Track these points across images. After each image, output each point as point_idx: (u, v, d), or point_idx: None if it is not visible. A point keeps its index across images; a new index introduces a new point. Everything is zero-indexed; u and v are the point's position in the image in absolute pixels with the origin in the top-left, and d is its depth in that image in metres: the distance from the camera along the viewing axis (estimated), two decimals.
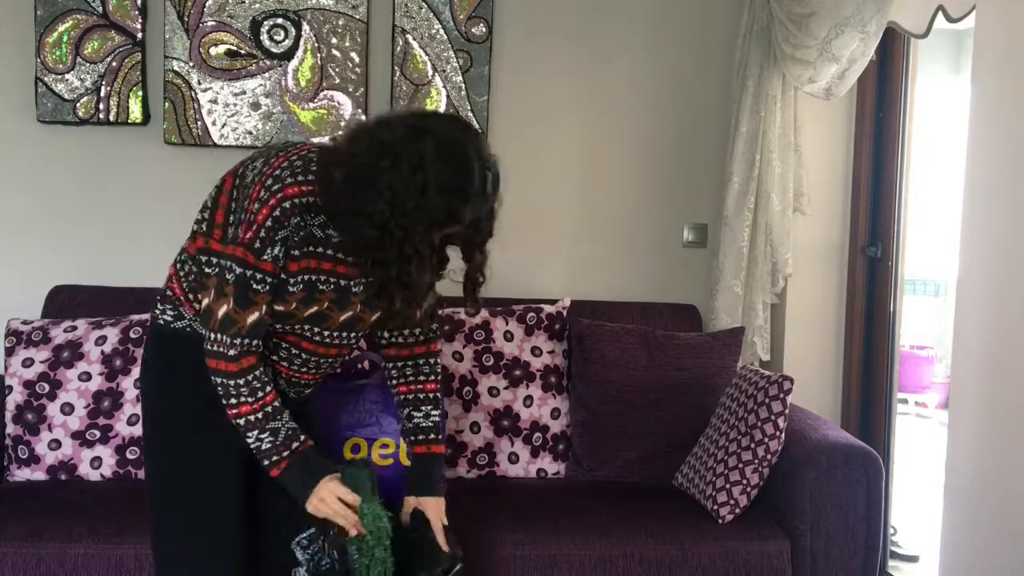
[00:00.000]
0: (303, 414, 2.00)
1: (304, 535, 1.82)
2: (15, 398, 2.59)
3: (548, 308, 2.89)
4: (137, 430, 2.56)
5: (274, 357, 1.84)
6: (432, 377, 2.01)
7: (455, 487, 2.61)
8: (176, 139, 3.00)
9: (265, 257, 1.70)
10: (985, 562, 2.16)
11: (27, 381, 2.59)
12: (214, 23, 2.99)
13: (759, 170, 3.00)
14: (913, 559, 3.19)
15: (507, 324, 2.83)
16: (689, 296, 3.19)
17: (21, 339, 2.64)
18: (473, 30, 3.08)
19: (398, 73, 3.06)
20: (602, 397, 2.75)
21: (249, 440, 1.78)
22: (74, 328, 2.66)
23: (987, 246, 2.18)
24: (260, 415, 1.76)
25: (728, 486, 2.41)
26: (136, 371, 2.59)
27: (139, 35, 2.98)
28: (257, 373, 1.76)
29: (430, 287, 1.80)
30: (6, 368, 2.64)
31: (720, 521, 2.41)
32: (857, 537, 2.37)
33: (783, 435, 2.41)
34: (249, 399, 1.75)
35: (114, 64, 2.97)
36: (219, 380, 1.75)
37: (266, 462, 1.79)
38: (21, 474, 2.57)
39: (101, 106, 2.97)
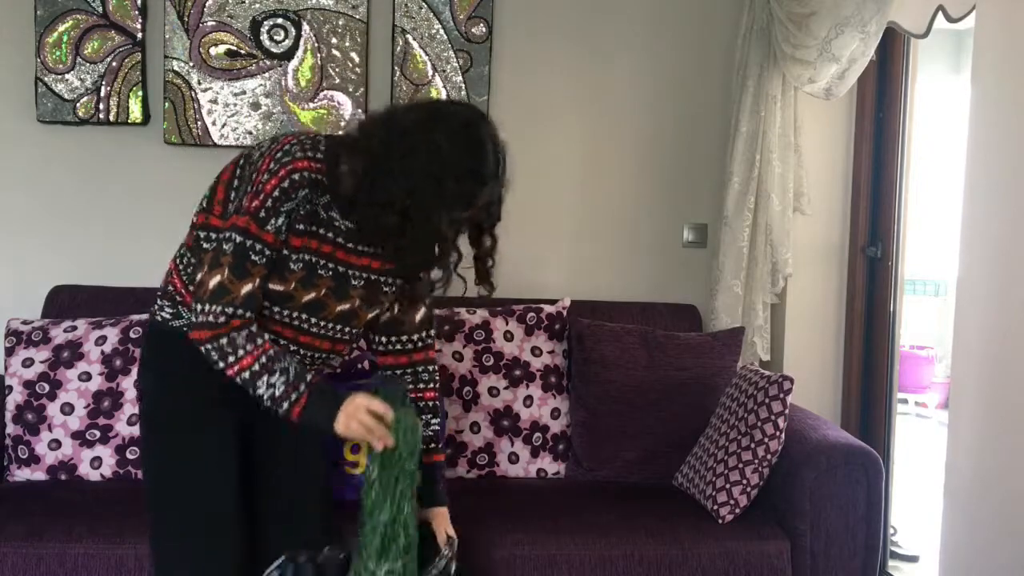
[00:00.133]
0: None
1: (274, 566, 1.76)
2: (15, 398, 2.59)
3: (548, 308, 2.89)
4: (137, 430, 2.56)
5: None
6: (432, 385, 2.01)
7: (455, 487, 2.60)
8: (176, 139, 3.00)
9: (268, 228, 1.70)
10: (985, 562, 2.16)
11: (27, 381, 2.59)
12: (214, 23, 2.99)
13: (759, 170, 3.00)
14: (913, 559, 3.19)
15: (507, 324, 2.83)
16: (689, 296, 3.19)
17: (21, 339, 2.64)
18: (473, 30, 3.08)
19: (398, 73, 3.06)
20: (602, 397, 2.75)
21: (260, 391, 1.73)
22: (74, 328, 2.66)
23: (987, 246, 2.18)
24: (264, 360, 1.72)
25: (728, 486, 2.41)
26: (136, 371, 2.59)
27: (139, 35, 2.98)
28: (251, 330, 1.72)
29: (450, 276, 1.81)
30: (6, 368, 2.64)
31: (720, 521, 2.41)
32: (857, 537, 2.37)
33: (783, 435, 2.41)
34: (247, 347, 1.71)
35: (114, 64, 2.97)
36: (211, 346, 1.72)
37: (284, 405, 1.73)
38: (21, 474, 2.57)
39: (101, 106, 2.97)
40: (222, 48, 3.00)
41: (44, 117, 2.96)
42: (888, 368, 3.08)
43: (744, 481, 2.40)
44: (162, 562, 1.87)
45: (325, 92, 3.04)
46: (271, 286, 1.75)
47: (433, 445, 1.99)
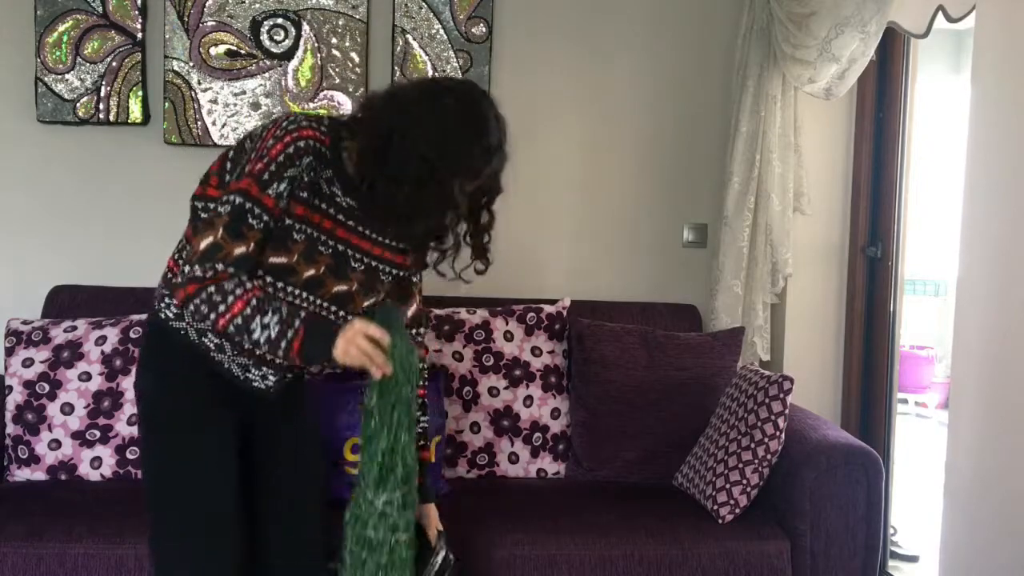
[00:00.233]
0: (302, 415, 2.00)
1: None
2: (15, 398, 2.59)
3: (548, 308, 2.89)
4: (137, 430, 2.56)
5: None
6: (422, 382, 2.01)
7: (455, 487, 2.61)
8: (176, 139, 3.00)
9: (269, 192, 1.70)
10: (985, 562, 2.16)
11: (27, 381, 2.59)
12: (214, 23, 2.99)
13: (759, 170, 3.00)
14: (913, 559, 3.19)
15: (507, 324, 2.83)
16: (689, 296, 3.19)
17: (21, 339, 2.64)
18: (473, 30, 3.08)
19: (398, 73, 3.06)
20: (602, 397, 2.75)
21: (256, 335, 1.68)
22: (74, 328, 2.66)
23: (987, 246, 2.18)
24: (255, 302, 1.68)
25: (728, 486, 2.41)
26: (135, 371, 2.59)
27: (139, 35, 2.98)
28: (239, 279, 1.70)
29: (458, 247, 1.85)
30: (6, 368, 2.64)
31: (720, 521, 2.41)
32: (857, 537, 2.37)
33: (783, 435, 2.41)
34: (236, 292, 1.68)
35: (114, 64, 2.97)
36: (199, 299, 1.68)
37: (283, 344, 1.69)
38: (21, 474, 2.57)
39: (101, 106, 2.97)
40: (222, 48, 3.00)
41: (44, 117, 2.96)
42: (888, 368, 3.08)
43: (744, 481, 2.40)
44: (162, 562, 1.87)
45: (325, 92, 3.04)
46: (274, 259, 1.74)
47: (423, 443, 1.99)
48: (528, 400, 2.78)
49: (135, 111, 2.99)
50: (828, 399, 3.18)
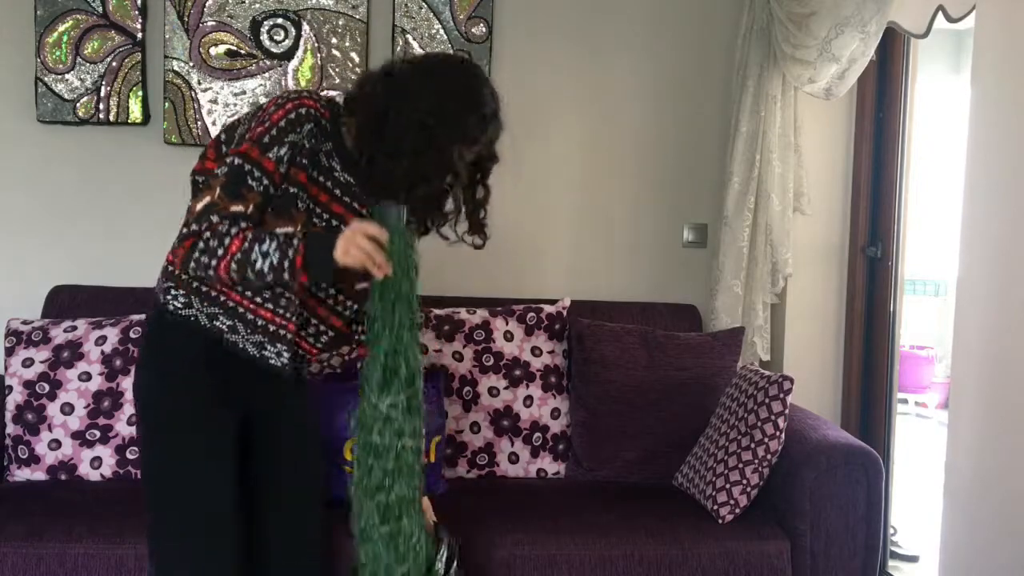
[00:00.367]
0: (302, 415, 2.00)
1: None
2: (15, 398, 2.59)
3: (548, 308, 2.89)
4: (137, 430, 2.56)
5: (249, 292, 1.81)
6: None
7: (455, 487, 2.61)
8: (176, 139, 3.00)
9: (270, 155, 1.71)
10: (985, 562, 2.16)
11: (27, 381, 2.59)
12: (214, 23, 2.99)
13: (759, 170, 3.00)
14: (913, 559, 3.19)
15: (507, 324, 2.83)
16: (689, 296, 3.19)
17: (21, 339, 2.64)
18: (473, 30, 3.08)
19: None
20: (602, 397, 2.75)
21: (258, 265, 1.67)
22: (74, 328, 2.66)
23: (987, 246, 2.18)
24: (251, 235, 1.68)
25: (728, 486, 2.41)
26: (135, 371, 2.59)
27: (139, 35, 2.98)
28: (233, 221, 1.69)
29: (459, 211, 1.89)
30: (6, 368, 2.64)
31: (720, 521, 2.41)
32: (857, 537, 2.37)
33: (783, 435, 2.41)
34: (232, 231, 1.68)
35: (114, 64, 2.97)
36: (195, 255, 1.68)
37: (286, 265, 1.67)
38: (21, 474, 2.57)
39: (101, 106, 2.97)
40: (222, 48, 3.00)
41: (44, 117, 2.96)
42: (888, 368, 3.08)
43: (744, 481, 2.40)
44: (162, 562, 1.87)
45: (325, 92, 3.04)
46: (278, 229, 1.74)
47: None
48: (528, 400, 2.78)
49: (135, 111, 2.99)
50: (828, 399, 3.18)
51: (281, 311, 1.80)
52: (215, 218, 1.69)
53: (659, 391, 2.75)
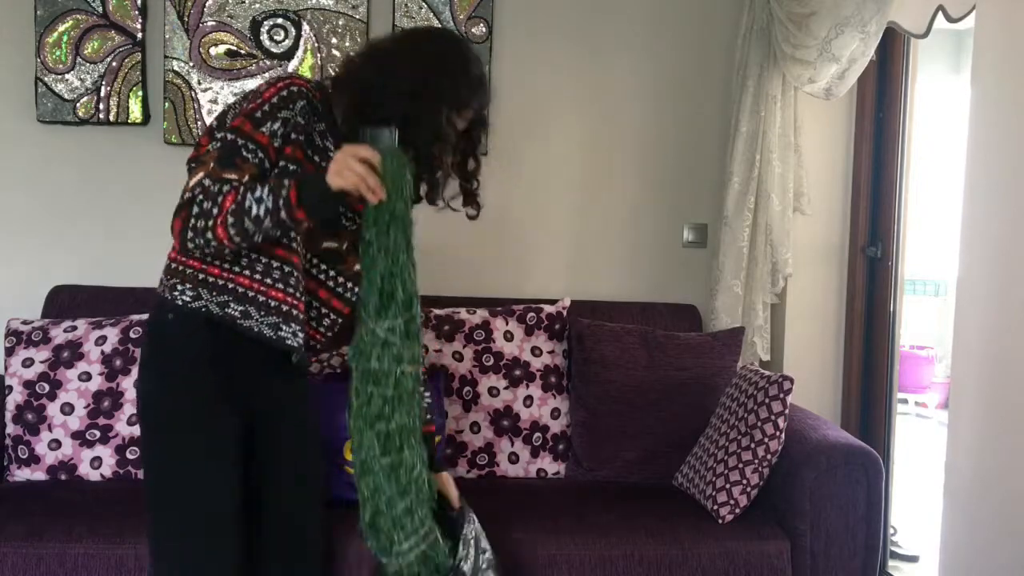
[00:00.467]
0: (302, 416, 2.00)
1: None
2: (15, 398, 2.59)
3: (548, 308, 2.89)
4: (137, 430, 2.56)
5: (258, 275, 1.81)
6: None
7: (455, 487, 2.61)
8: (176, 139, 3.00)
9: (263, 129, 1.72)
10: (985, 562, 2.16)
11: (27, 381, 2.59)
12: (214, 23, 2.99)
13: (759, 170, 3.00)
14: (913, 559, 3.19)
15: (507, 324, 2.83)
16: (689, 296, 3.19)
17: (21, 339, 2.64)
18: (473, 30, 3.08)
19: None
20: (602, 397, 2.75)
21: (254, 211, 1.66)
22: (74, 328, 2.66)
23: (987, 246, 2.18)
24: (243, 188, 1.68)
25: (728, 486, 2.41)
26: (136, 371, 2.58)
27: (139, 35, 2.98)
28: (225, 181, 1.69)
29: (448, 175, 1.90)
30: (6, 368, 2.64)
31: (720, 521, 2.41)
32: (857, 537, 2.37)
33: (783, 435, 2.41)
34: (224, 190, 1.68)
35: (114, 64, 2.97)
36: (192, 222, 1.67)
37: (281, 204, 1.66)
38: (21, 474, 2.57)
39: (101, 106, 2.97)
40: (222, 48, 3.00)
41: (44, 117, 2.96)
42: (888, 368, 3.08)
43: (744, 481, 2.40)
44: (162, 562, 1.87)
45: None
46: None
47: (428, 416, 2.02)
48: (528, 400, 2.78)
49: (135, 111, 2.99)
50: (828, 399, 3.18)
51: (291, 290, 1.81)
52: (207, 182, 1.70)
53: (659, 391, 2.75)
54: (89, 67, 2.96)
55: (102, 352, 2.62)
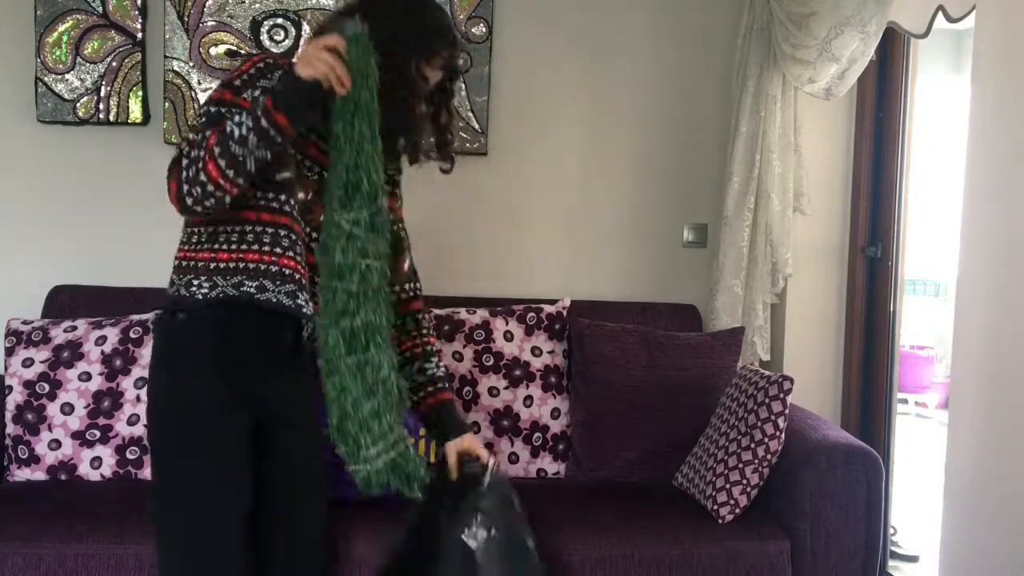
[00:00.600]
0: (303, 416, 2.00)
1: None
2: (15, 398, 2.59)
3: (548, 308, 2.89)
4: (137, 430, 2.56)
5: (266, 247, 1.82)
6: (431, 332, 2.09)
7: None
8: (176, 139, 2.99)
9: (244, 95, 1.77)
10: (985, 562, 2.16)
11: (27, 381, 2.59)
12: (214, 23, 2.99)
13: (759, 170, 3.00)
14: (913, 559, 3.19)
15: (507, 324, 2.83)
16: (689, 296, 3.19)
17: (21, 339, 2.64)
18: (473, 30, 3.08)
19: None
20: (602, 397, 2.75)
21: (237, 133, 1.68)
22: (74, 328, 2.66)
23: (987, 246, 2.18)
24: (222, 125, 1.70)
25: (728, 486, 2.41)
26: (136, 371, 2.59)
27: (139, 35, 2.98)
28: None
29: (424, 127, 1.92)
30: (6, 368, 2.64)
31: (720, 521, 2.41)
32: (857, 537, 2.37)
33: (783, 435, 2.41)
34: (205, 134, 1.70)
35: (114, 64, 2.97)
36: (184, 174, 1.69)
37: (261, 115, 1.68)
38: (21, 474, 2.57)
39: (101, 106, 2.97)
40: (222, 48, 3.00)
41: (44, 117, 2.96)
42: (888, 368, 3.08)
43: (744, 481, 2.40)
44: (166, 563, 1.86)
45: None
46: (278, 176, 1.77)
47: (441, 385, 2.05)
48: (528, 400, 2.78)
49: (135, 111, 2.99)
50: (828, 399, 3.18)
51: (299, 259, 1.82)
52: (190, 135, 1.73)
53: (659, 391, 2.75)
54: (89, 67, 2.96)
55: (102, 352, 2.62)
